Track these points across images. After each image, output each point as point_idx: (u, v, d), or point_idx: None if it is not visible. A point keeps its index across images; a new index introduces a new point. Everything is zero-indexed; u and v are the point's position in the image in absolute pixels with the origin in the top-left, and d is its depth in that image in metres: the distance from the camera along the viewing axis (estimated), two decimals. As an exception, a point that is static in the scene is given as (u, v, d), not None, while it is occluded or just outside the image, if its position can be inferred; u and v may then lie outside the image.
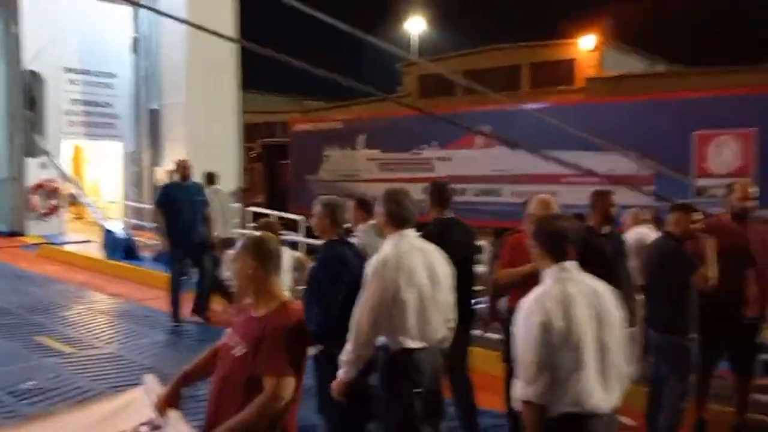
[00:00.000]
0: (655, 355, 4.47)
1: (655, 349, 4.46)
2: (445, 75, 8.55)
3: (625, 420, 4.86)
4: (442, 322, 3.45)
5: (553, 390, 2.64)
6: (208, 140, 14.47)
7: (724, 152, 10.92)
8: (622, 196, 8.54)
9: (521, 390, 2.70)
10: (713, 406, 4.77)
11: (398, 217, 3.44)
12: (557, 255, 2.80)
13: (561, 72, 13.95)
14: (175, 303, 7.59)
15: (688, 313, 4.29)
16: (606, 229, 4.59)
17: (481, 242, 6.47)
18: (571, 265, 2.80)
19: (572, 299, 2.69)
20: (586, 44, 14.57)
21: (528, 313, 2.71)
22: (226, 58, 15.36)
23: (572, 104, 12.06)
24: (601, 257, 4.52)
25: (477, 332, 5.21)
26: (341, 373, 3.35)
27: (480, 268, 5.62)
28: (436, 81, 14.03)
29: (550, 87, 13.67)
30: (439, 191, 4.56)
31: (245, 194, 16.07)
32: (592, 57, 14.66)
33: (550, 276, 2.79)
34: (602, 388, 2.68)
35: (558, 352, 2.63)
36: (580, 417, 2.66)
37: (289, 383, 2.56)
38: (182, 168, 7.90)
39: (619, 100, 12.08)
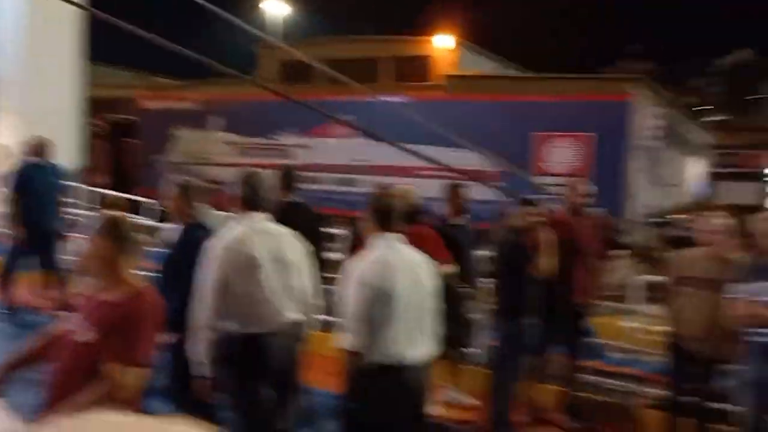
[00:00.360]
0: (498, 339, 4.76)
1: (497, 333, 4.76)
2: (307, 62, 8.46)
3: (470, 400, 5.17)
4: (294, 306, 3.41)
5: (371, 342, 3.06)
6: (46, 114, 13.25)
7: (563, 153, 11.81)
8: (476, 190, 9.07)
9: (346, 341, 3.09)
10: (547, 387, 5.17)
11: (250, 201, 3.41)
12: (384, 226, 3.22)
13: (419, 68, 14.32)
14: (8, 288, 6.93)
15: (525, 300, 4.62)
16: (458, 220, 4.82)
17: (340, 231, 6.52)
18: (395, 236, 3.23)
19: (393, 264, 3.13)
20: (444, 42, 15.06)
21: (355, 275, 3.13)
22: (68, 26, 14.14)
23: (432, 100, 12.44)
24: (454, 246, 4.76)
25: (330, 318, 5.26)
26: (198, 372, 3.25)
27: (335, 256, 5.67)
28: (295, 66, 13.86)
29: (408, 81, 13.97)
30: (285, 176, 4.78)
31: (87, 174, 14.95)
32: (450, 56, 15.17)
33: (376, 244, 3.21)
34: (414, 344, 3.15)
35: (378, 309, 3.05)
36: (394, 367, 3.10)
37: (138, 373, 2.43)
38: (37, 146, 7.11)
39: (476, 99, 12.61)
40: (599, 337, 6.30)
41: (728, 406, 4.33)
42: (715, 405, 4.41)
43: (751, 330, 3.86)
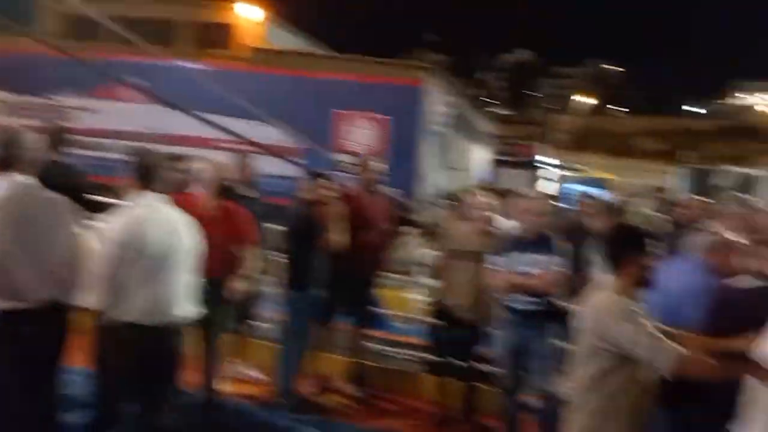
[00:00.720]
0: (286, 312, 4.78)
1: (286, 306, 4.77)
2: (94, 17, 7.70)
3: (258, 374, 5.14)
4: (47, 278, 3.03)
5: (121, 300, 2.99)
6: None
7: (361, 132, 12.14)
8: (278, 166, 8.97)
9: (89, 299, 3.02)
10: (335, 357, 5.30)
11: (3, 160, 3.04)
12: (145, 184, 3.16)
13: (220, 36, 13.79)
14: None
15: (313, 272, 4.69)
16: (248, 192, 4.75)
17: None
18: (156, 196, 3.18)
19: (150, 223, 3.09)
20: (249, 12, 14.67)
21: (109, 232, 3.05)
22: None
23: (234, 71, 12.05)
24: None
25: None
26: None
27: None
28: (81, 22, 12.61)
29: (208, 49, 13.41)
30: (53, 136, 4.49)
31: None
32: (256, 27, 14.82)
33: (135, 202, 3.16)
34: (172, 303, 3.13)
35: (127, 267, 2.99)
36: (142, 326, 3.03)
37: None
38: None
39: (279, 74, 12.44)
40: (386, 308, 6.60)
41: (492, 368, 4.79)
42: (481, 367, 4.85)
43: (507, 298, 4.29)
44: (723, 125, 58.50)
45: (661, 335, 2.53)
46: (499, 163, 22.81)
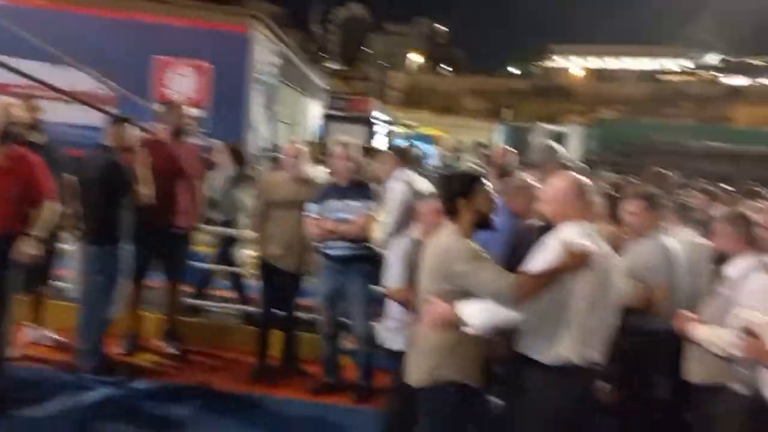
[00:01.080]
0: (89, 269, 4.40)
1: (89, 263, 4.39)
2: None
3: (58, 337, 4.74)
4: None
5: None
6: None
7: (183, 80, 11.47)
8: (85, 115, 8.19)
9: None
10: (148, 314, 5.01)
11: None
12: None
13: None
14: None
15: (119, 224, 4.35)
16: (37, 138, 4.28)
17: None
18: None
19: None
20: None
21: None
22: None
23: (32, 8, 10.78)
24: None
25: None
26: None
27: None
28: None
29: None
30: None
31: None
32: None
33: None
34: None
35: None
36: None
37: None
38: None
39: (85, 13, 11.31)
40: (206, 262, 6.34)
41: (311, 315, 4.79)
42: (301, 315, 4.84)
43: (323, 244, 4.29)
44: (539, 86, 63.21)
45: (502, 269, 2.65)
46: (331, 118, 22.86)
